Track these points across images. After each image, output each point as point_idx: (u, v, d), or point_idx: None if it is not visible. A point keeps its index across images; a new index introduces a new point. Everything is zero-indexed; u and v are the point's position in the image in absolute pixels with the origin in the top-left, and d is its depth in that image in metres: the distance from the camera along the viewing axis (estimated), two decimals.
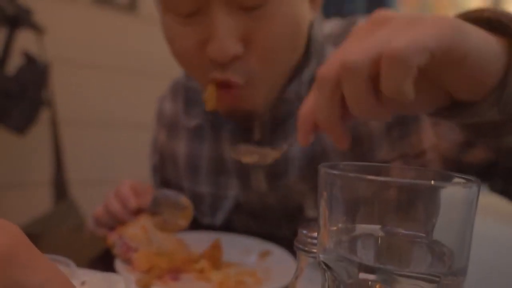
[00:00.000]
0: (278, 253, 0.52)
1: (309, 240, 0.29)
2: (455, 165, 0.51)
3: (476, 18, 0.32)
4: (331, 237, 0.25)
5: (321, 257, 0.26)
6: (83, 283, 0.30)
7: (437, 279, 0.23)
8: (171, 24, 0.49)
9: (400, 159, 0.54)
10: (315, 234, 0.29)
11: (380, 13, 0.30)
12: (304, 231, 0.29)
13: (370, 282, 0.24)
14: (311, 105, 0.33)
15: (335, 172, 0.25)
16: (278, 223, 0.61)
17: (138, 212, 0.54)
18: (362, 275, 0.24)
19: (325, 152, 0.56)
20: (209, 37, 0.46)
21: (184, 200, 0.52)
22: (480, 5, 2.72)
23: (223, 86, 0.49)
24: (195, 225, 0.65)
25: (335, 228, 0.25)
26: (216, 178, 0.63)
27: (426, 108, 0.33)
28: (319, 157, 0.56)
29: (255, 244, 0.55)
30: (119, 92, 1.53)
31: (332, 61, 0.30)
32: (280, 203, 0.59)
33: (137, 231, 0.49)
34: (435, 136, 0.52)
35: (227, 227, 0.63)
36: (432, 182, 0.22)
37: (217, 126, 0.62)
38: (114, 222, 0.55)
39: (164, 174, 0.71)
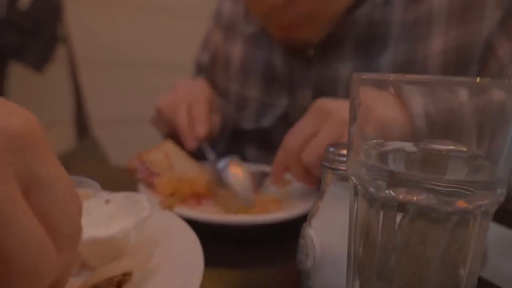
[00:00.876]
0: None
1: (336, 157, 0.28)
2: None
3: None
4: (362, 149, 0.24)
5: (351, 170, 0.24)
6: (107, 201, 0.30)
7: (471, 189, 0.22)
8: None
9: None
10: (343, 151, 0.28)
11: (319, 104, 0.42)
12: (331, 149, 0.28)
13: (401, 195, 0.23)
14: (281, 161, 0.46)
15: (371, 77, 0.23)
16: None
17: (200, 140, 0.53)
18: (393, 187, 0.22)
19: (378, 70, 0.55)
20: None
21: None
22: None
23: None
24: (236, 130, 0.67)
25: (366, 140, 0.24)
26: (267, 85, 0.64)
27: None
28: None
29: None
30: (137, 28, 1.50)
31: (295, 138, 0.43)
32: None
33: (160, 157, 0.49)
34: None
35: (271, 133, 0.64)
36: (478, 79, 0.20)
37: (273, 38, 0.62)
38: (172, 129, 0.56)
39: (212, 75, 0.72)
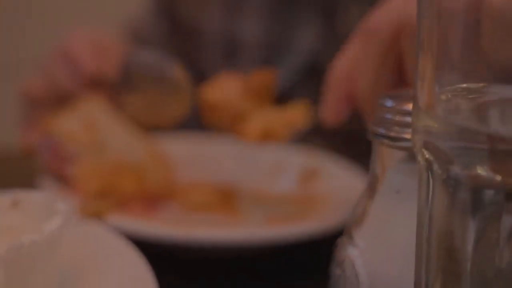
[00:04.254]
0: (331, 171, 0.38)
1: (397, 117, 0.19)
2: None
3: None
4: (441, 99, 0.16)
5: (421, 138, 0.17)
6: (14, 203, 0.22)
7: None
8: None
9: None
10: (409, 107, 0.19)
11: None
12: (389, 103, 0.20)
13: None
14: (350, 63, 0.28)
15: None
16: None
17: (97, 83, 0.37)
18: (501, 166, 0.14)
19: None
20: None
21: (177, 73, 0.35)
22: None
23: None
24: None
25: (448, 85, 0.16)
26: (276, 12, 0.45)
27: None
28: None
29: (294, 159, 0.40)
30: None
31: (390, 10, 0.26)
32: None
33: (77, 125, 0.34)
34: None
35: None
36: None
37: None
38: (58, 102, 0.38)
39: (172, 8, 0.52)
